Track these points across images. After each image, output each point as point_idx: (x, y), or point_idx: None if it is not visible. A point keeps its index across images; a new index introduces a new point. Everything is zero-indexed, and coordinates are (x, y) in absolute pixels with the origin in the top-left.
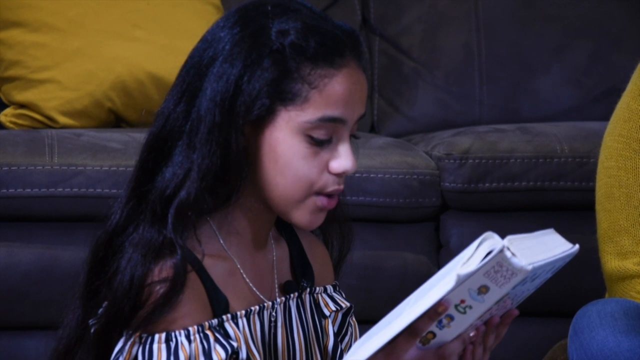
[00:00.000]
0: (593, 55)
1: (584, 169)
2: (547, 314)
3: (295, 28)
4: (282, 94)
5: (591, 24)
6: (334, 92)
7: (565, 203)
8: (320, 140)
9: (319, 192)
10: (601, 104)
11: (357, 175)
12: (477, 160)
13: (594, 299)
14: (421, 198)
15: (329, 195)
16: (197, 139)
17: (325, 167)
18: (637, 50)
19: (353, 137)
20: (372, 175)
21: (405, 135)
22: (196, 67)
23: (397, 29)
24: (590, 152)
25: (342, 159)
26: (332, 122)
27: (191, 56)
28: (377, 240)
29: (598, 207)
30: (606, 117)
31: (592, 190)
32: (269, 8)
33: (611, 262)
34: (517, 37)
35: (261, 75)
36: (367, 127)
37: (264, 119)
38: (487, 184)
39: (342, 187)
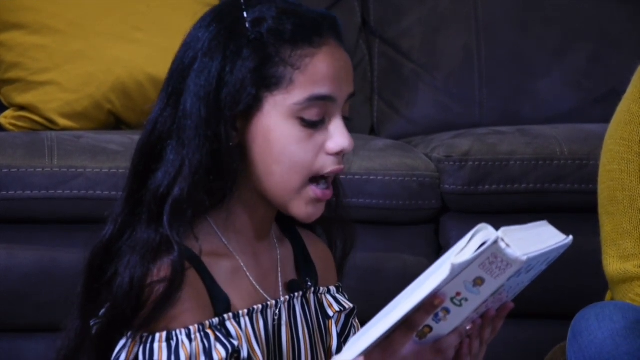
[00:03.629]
0: (593, 57)
1: (584, 171)
2: (547, 316)
3: (270, 14)
4: (266, 80)
5: (591, 26)
6: (317, 70)
7: (565, 205)
8: (312, 121)
9: (317, 176)
10: (601, 106)
11: (357, 177)
12: (477, 163)
13: (594, 301)
14: (421, 200)
15: (326, 187)
16: (185, 135)
17: (322, 149)
18: (637, 52)
19: (345, 119)
20: (372, 178)
21: (405, 138)
22: (179, 70)
23: (397, 31)
24: (590, 154)
25: (338, 138)
26: (321, 101)
27: (173, 61)
28: (377, 242)
29: (601, 210)
30: (606, 119)
31: (592, 193)
32: (242, 1)
33: (613, 265)
34: (517, 39)
35: (242, 65)
36: (367, 129)
37: (252, 109)
38: (487, 186)
39: (342, 166)
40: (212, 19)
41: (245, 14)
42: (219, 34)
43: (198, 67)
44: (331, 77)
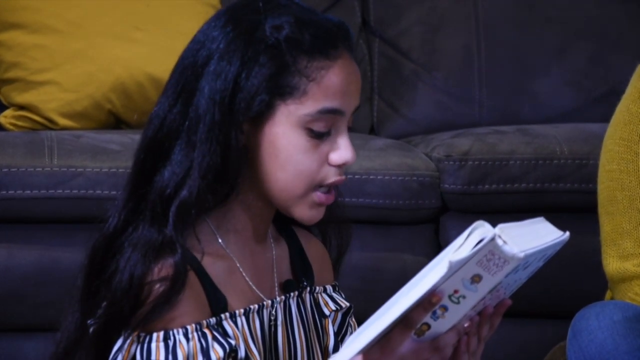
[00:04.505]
0: (593, 57)
1: (584, 170)
2: (547, 315)
3: (288, 22)
4: (280, 89)
5: (591, 26)
6: (331, 83)
7: (565, 205)
8: (320, 132)
9: (320, 185)
10: (601, 106)
11: (357, 177)
12: (476, 162)
13: (594, 301)
14: (421, 200)
15: (328, 191)
16: (196, 137)
17: (326, 160)
18: (637, 52)
19: (348, 128)
20: (371, 177)
21: (405, 137)
22: (191, 67)
23: (396, 30)
24: (590, 153)
25: (342, 151)
26: (331, 114)
27: (183, 57)
28: (376, 242)
29: (601, 210)
30: (606, 118)
31: (592, 192)
32: (260, 5)
33: (612, 264)
34: (517, 38)
35: (259, 71)
36: (367, 129)
37: (262, 115)
38: (486, 186)
39: (343, 177)
40: (228, 19)
41: (264, 19)
42: (237, 37)
43: (214, 70)
44: (343, 91)
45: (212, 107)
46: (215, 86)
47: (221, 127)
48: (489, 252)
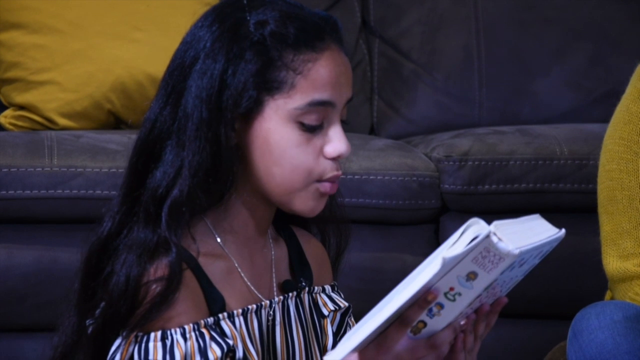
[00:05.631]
0: (593, 57)
1: (584, 171)
2: (547, 316)
3: (273, 17)
4: (267, 84)
5: (591, 27)
6: (319, 75)
7: (565, 205)
8: (311, 126)
9: (319, 180)
10: (601, 106)
11: (356, 177)
12: (476, 162)
13: (594, 301)
14: (421, 200)
15: (331, 181)
16: (185, 136)
17: (320, 153)
18: (637, 52)
19: (343, 122)
20: (371, 177)
21: (405, 137)
22: (179, 68)
23: (396, 31)
24: (590, 154)
25: (336, 143)
26: (321, 106)
27: (173, 59)
28: (376, 242)
29: (600, 209)
30: (606, 119)
31: (592, 193)
32: (245, 2)
33: (612, 264)
34: (517, 39)
35: (245, 67)
36: (367, 129)
37: (252, 112)
38: (486, 186)
39: (340, 172)
40: (214, 18)
41: (248, 16)
42: (222, 35)
43: (200, 68)
44: (332, 82)
45: (200, 105)
46: (202, 84)
47: (210, 125)
48: (484, 249)
